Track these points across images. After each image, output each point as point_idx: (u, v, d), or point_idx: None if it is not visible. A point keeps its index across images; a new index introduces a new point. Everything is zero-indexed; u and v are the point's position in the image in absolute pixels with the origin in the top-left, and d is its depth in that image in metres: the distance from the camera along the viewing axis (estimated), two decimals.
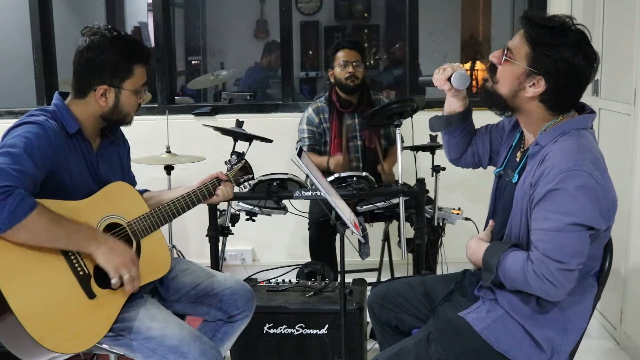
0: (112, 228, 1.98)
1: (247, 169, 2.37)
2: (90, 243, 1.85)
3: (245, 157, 2.39)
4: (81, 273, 1.86)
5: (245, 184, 2.47)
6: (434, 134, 3.35)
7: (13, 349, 1.81)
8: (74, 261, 1.86)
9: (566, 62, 1.72)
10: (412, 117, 3.16)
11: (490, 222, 1.98)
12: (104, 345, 1.96)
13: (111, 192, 2.04)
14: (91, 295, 1.87)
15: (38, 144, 1.82)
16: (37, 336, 1.72)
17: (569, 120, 1.81)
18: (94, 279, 1.88)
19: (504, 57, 1.80)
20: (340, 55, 3.49)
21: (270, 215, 3.07)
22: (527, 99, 1.80)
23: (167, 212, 2.10)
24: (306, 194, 2.78)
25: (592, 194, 1.67)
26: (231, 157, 2.40)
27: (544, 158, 1.75)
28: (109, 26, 2.02)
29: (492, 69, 1.85)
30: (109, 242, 1.89)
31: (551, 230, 1.67)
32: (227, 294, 2.22)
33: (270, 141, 3.33)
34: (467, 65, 6.76)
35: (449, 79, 1.98)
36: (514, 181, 1.88)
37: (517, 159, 1.93)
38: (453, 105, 2.08)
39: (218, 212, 2.99)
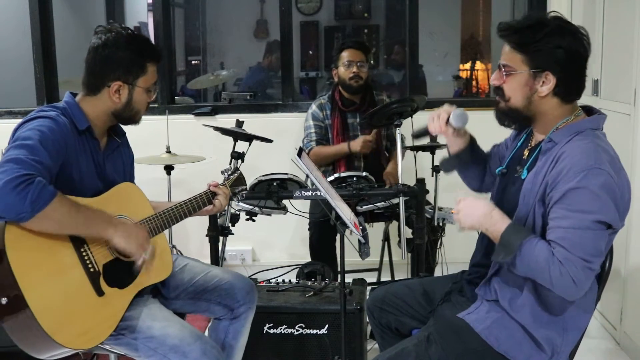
0: None
1: (241, 180, 2.42)
2: (108, 229, 1.87)
3: (240, 168, 2.46)
4: (92, 270, 1.88)
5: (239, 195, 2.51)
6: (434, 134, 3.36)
7: (21, 341, 1.80)
8: (85, 258, 1.87)
9: (561, 48, 1.74)
10: (412, 117, 3.16)
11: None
12: (105, 345, 1.96)
13: (120, 192, 2.07)
14: (100, 292, 1.88)
15: (52, 137, 1.84)
16: (50, 330, 1.72)
17: (582, 120, 1.81)
18: (102, 277, 1.90)
19: (504, 74, 1.81)
20: (345, 55, 3.49)
21: (270, 215, 3.07)
22: (542, 100, 1.80)
23: (171, 216, 2.12)
24: (306, 194, 2.78)
25: (612, 193, 1.67)
26: (228, 166, 2.43)
27: (559, 157, 1.74)
28: (123, 25, 2.05)
29: (499, 91, 1.86)
30: (125, 227, 1.91)
31: (574, 228, 1.65)
32: (226, 288, 2.23)
33: (270, 141, 3.32)
34: (467, 66, 6.77)
35: (447, 122, 1.98)
36: (523, 177, 1.87)
37: (525, 157, 1.93)
38: (457, 144, 2.08)
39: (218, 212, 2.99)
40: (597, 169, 1.66)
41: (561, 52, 1.74)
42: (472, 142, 2.10)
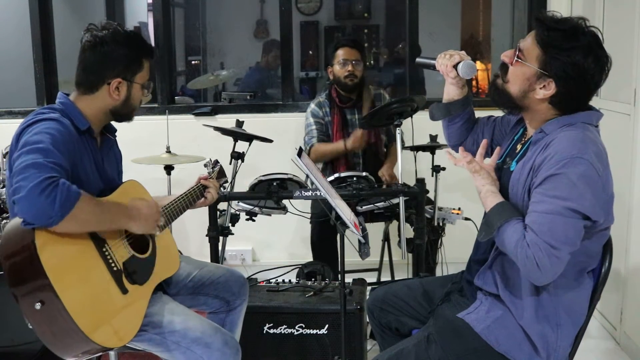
0: None
1: (223, 172, 2.50)
2: (129, 221, 1.89)
3: (220, 162, 2.52)
4: (115, 269, 1.89)
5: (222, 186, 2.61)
6: (434, 133, 3.36)
7: (52, 344, 1.78)
8: (108, 257, 1.88)
9: (576, 66, 1.72)
10: (412, 117, 3.16)
11: (497, 149, 1.97)
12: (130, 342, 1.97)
13: (128, 190, 2.08)
14: (124, 290, 1.90)
15: (62, 139, 1.84)
16: (88, 331, 1.72)
17: (576, 114, 1.80)
18: (124, 275, 1.91)
19: (516, 57, 1.80)
20: (340, 53, 3.50)
21: (270, 215, 3.07)
22: (536, 100, 1.80)
23: (173, 211, 2.15)
24: (306, 194, 2.78)
25: (592, 183, 1.67)
26: (207, 159, 2.51)
27: (548, 145, 1.75)
28: (116, 23, 2.05)
29: (504, 67, 1.85)
30: (139, 212, 1.93)
31: (546, 213, 1.66)
32: (222, 282, 2.29)
33: (270, 141, 3.33)
34: None
35: (455, 66, 1.97)
36: (511, 169, 1.88)
37: (517, 151, 1.93)
38: (452, 92, 2.08)
39: (218, 212, 2.99)
40: (578, 158, 1.67)
41: (575, 70, 1.72)
42: (466, 98, 2.09)
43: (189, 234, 4.12)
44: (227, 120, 3.69)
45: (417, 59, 2.16)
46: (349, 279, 2.68)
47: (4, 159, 3.22)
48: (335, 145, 3.47)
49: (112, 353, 2.26)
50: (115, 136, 2.20)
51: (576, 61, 1.71)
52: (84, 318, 1.72)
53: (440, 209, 3.33)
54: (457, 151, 2.21)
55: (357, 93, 3.56)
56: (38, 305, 1.69)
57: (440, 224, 3.32)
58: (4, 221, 2.91)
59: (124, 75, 2.01)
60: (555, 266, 1.66)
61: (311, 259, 3.37)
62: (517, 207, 1.79)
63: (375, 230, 3.65)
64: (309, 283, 2.81)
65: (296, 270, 2.98)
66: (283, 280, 2.86)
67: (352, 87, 3.49)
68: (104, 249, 1.87)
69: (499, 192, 1.84)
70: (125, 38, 2.00)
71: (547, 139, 1.78)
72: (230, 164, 3.20)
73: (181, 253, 3.79)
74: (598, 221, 1.72)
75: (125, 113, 2.08)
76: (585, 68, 1.72)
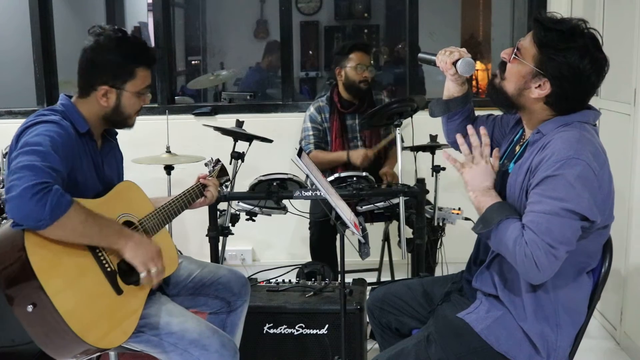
0: (127, 226, 1.99)
1: (225, 171, 2.48)
2: (119, 239, 1.86)
3: (222, 160, 2.50)
4: (108, 269, 1.88)
5: (223, 185, 2.59)
6: (434, 133, 3.36)
7: (45, 345, 1.79)
8: (101, 258, 1.87)
9: (572, 67, 1.72)
10: (412, 117, 3.16)
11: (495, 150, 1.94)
12: (127, 343, 1.96)
13: (122, 191, 2.08)
14: (119, 291, 1.89)
15: (61, 142, 1.83)
16: (80, 333, 1.72)
17: (572, 114, 1.81)
18: (119, 276, 1.90)
19: (513, 55, 1.81)
20: (355, 58, 3.43)
21: (270, 215, 3.07)
22: (532, 100, 1.80)
23: (170, 211, 2.15)
24: (306, 194, 2.78)
25: (588, 184, 1.67)
26: (209, 158, 2.49)
27: (545, 146, 1.75)
28: (116, 27, 2.01)
29: (502, 65, 1.86)
30: (135, 238, 1.90)
31: (543, 213, 1.67)
32: (223, 282, 2.28)
33: (270, 141, 3.33)
34: None
35: (454, 63, 1.98)
36: (509, 170, 1.88)
37: (515, 152, 1.94)
38: (452, 89, 2.09)
39: (218, 212, 2.99)
40: (575, 159, 1.67)
41: (570, 71, 1.72)
42: (466, 95, 2.09)
43: (189, 234, 4.12)
44: (227, 120, 3.69)
45: (419, 55, 2.18)
46: (349, 279, 2.68)
47: (4, 159, 3.22)
48: (336, 155, 3.45)
49: (112, 353, 2.26)
50: (116, 139, 2.19)
51: (572, 62, 1.72)
52: (76, 320, 1.72)
53: (440, 209, 3.33)
54: (455, 148, 2.21)
55: (360, 97, 3.54)
56: (30, 308, 1.69)
57: (440, 224, 3.32)
58: (4, 221, 2.92)
59: (112, 83, 1.98)
60: (553, 264, 1.67)
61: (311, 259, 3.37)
62: (514, 208, 1.79)
63: (375, 230, 3.65)
64: (309, 283, 2.81)
65: (296, 270, 2.98)
66: (283, 280, 2.86)
67: (365, 91, 3.47)
68: (97, 250, 1.87)
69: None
70: (116, 46, 1.96)
71: (544, 139, 1.79)
72: (230, 164, 3.20)
73: (181, 253, 3.80)
74: (596, 221, 1.72)
75: (117, 120, 2.05)
76: (581, 69, 1.72)
